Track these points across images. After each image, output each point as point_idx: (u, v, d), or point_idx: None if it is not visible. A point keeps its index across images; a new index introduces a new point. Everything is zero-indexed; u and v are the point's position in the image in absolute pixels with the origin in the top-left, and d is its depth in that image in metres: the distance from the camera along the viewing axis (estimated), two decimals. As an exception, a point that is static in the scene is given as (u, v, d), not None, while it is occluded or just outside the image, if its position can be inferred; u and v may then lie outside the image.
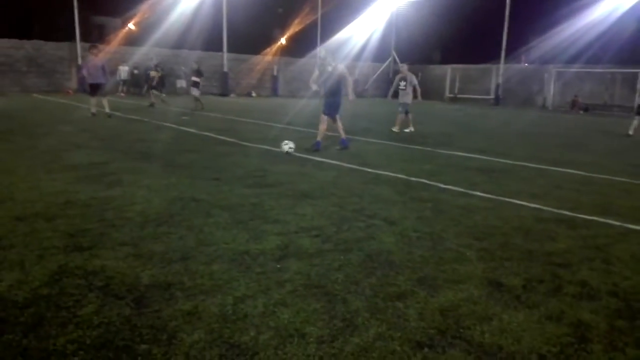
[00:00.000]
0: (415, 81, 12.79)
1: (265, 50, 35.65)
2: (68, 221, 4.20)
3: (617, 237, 4.39)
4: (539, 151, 10.29)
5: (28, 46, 25.52)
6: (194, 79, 17.87)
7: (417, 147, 10.05)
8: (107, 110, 13.86)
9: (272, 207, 4.92)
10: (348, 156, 8.39)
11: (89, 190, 5.29)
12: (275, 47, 37.26)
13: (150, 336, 2.46)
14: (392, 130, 12.59)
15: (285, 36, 38.08)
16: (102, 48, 20.96)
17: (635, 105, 14.97)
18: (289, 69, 34.06)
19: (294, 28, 37.42)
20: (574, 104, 29.42)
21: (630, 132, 14.24)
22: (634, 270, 3.59)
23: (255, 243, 3.83)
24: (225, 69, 30.87)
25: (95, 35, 28.66)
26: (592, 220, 4.91)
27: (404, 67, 13.30)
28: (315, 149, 8.76)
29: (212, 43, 30.57)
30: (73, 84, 26.14)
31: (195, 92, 17.73)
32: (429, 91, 37.70)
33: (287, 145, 8.36)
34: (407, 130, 12.59)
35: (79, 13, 25.45)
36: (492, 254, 3.81)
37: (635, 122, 14.41)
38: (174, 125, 12.35)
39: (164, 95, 19.09)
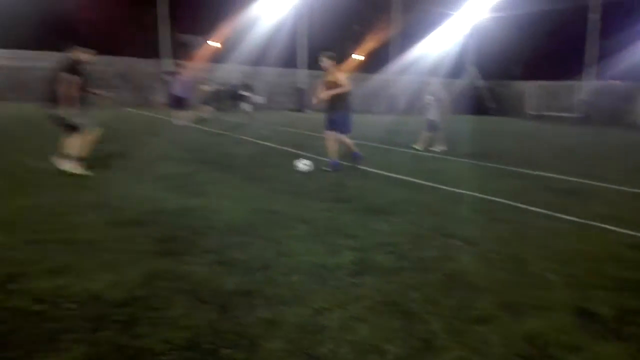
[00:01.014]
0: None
1: (341, 67, 36.06)
2: (158, 228, 4.48)
3: None
4: (630, 173, 9.60)
5: (119, 62, 27.55)
6: (244, 93, 17.67)
7: (495, 165, 9.73)
8: (191, 122, 15.14)
9: (347, 221, 4.97)
10: (423, 173, 8.28)
11: (176, 199, 5.61)
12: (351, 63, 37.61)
13: (234, 341, 2.57)
14: (414, 148, 11.88)
15: (362, 53, 38.36)
16: (188, 65, 22.27)
17: None
18: (363, 84, 34.25)
19: (369, 44, 37.62)
20: (670, 123, 27.17)
21: None
22: None
23: (331, 257, 3.89)
24: (302, 86, 31.57)
25: (181, 52, 30.38)
26: (695, 250, 4.52)
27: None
28: (335, 169, 8.14)
29: (288, 60, 31.43)
30: (163, 98, 27.87)
31: (246, 107, 17.58)
32: (508, 108, 36.56)
33: (305, 166, 7.91)
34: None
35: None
36: (580, 281, 3.61)
37: None
38: (253, 139, 12.79)
39: (207, 113, 18.19)
